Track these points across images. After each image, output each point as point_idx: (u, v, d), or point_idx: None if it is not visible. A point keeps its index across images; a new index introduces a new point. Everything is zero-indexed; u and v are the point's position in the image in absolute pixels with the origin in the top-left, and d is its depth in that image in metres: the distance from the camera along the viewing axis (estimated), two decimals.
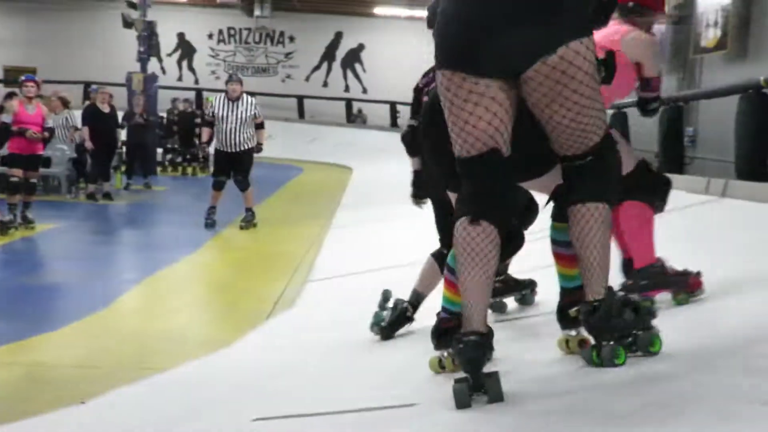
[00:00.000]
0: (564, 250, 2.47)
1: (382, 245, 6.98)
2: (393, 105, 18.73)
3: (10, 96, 9.04)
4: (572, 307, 2.46)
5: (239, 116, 8.39)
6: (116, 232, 8.69)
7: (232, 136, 8.38)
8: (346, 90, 23.27)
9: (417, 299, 3.76)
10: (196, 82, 23.07)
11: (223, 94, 8.59)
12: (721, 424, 1.72)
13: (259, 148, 8.64)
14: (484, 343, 2.21)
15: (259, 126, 8.65)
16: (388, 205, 9.48)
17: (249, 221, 8.65)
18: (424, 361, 2.84)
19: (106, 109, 10.88)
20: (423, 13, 18.27)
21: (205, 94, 18.91)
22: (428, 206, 3.77)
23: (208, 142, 8.75)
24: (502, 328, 3.11)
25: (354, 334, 4.21)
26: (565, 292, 2.59)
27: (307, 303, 5.29)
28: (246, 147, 8.49)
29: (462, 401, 2.17)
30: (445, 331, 2.71)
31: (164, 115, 15.35)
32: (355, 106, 22.13)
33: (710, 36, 10.89)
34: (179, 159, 15.43)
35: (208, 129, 8.67)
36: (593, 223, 2.23)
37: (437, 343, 2.80)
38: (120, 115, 11.62)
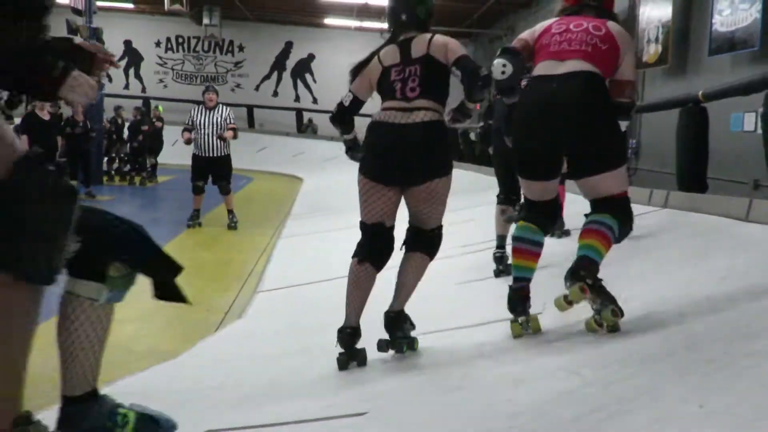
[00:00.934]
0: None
1: (332, 255, 6.98)
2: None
3: None
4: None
5: (215, 123, 9.11)
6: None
7: (209, 141, 9.08)
8: (296, 100, 23.21)
9: (501, 242, 5.19)
10: (144, 90, 22.74)
11: (201, 104, 9.26)
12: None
13: (222, 137, 9.14)
14: (355, 333, 3.47)
15: (232, 128, 9.27)
16: (338, 214, 9.49)
17: (233, 223, 9.45)
18: (375, 370, 2.86)
19: (45, 117, 10.65)
20: (373, 24, 18.28)
21: (154, 102, 18.65)
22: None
23: (188, 143, 9.21)
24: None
25: (304, 344, 4.21)
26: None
27: (258, 313, 5.27)
28: (222, 153, 9.21)
29: (342, 366, 3.42)
30: (523, 299, 3.42)
31: (107, 123, 15.09)
32: (306, 116, 22.08)
33: (651, 51, 11.21)
34: (126, 168, 15.20)
35: (187, 133, 9.14)
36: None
37: (517, 312, 3.41)
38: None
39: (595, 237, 3.18)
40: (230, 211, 9.48)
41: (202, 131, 9.09)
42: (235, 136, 9.27)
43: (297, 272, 6.46)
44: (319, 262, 6.78)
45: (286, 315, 5.18)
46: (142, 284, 7.04)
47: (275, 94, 23.31)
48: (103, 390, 3.65)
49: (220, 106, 9.27)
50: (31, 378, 2.36)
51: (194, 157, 9.28)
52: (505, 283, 4.74)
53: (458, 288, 4.95)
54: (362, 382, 3.08)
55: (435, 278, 5.38)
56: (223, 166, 9.27)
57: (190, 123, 9.17)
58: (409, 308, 3.55)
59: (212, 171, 9.25)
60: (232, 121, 9.30)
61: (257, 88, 23.08)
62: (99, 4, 16.19)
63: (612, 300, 3.05)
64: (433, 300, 4.45)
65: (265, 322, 5.03)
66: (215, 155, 9.17)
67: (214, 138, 9.09)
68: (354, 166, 3.69)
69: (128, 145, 15.00)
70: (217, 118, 9.14)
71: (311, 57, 23.40)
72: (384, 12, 17.15)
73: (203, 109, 9.17)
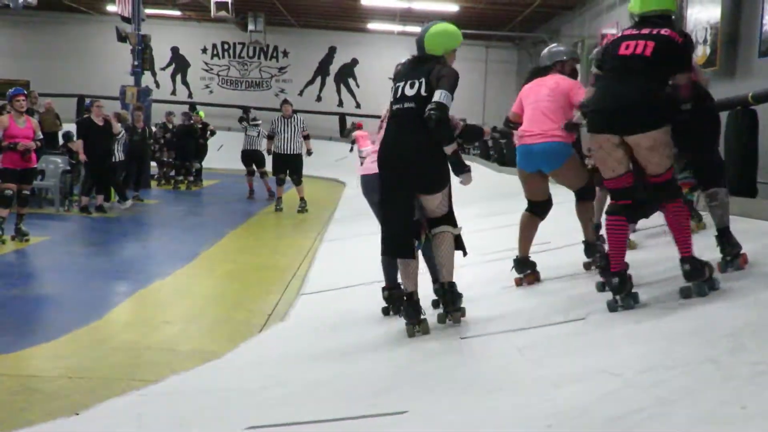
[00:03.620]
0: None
1: (375, 258, 7.00)
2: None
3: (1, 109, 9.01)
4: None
5: (292, 129, 11.54)
6: (109, 244, 8.68)
7: (286, 143, 11.51)
8: (339, 104, 23.34)
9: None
10: (190, 95, 23.08)
11: (280, 114, 11.80)
12: None
13: (309, 152, 11.67)
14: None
15: (306, 137, 11.67)
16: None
17: (303, 208, 11.62)
18: (415, 370, 2.87)
19: (100, 122, 10.93)
20: (415, 28, 18.31)
21: (198, 108, 18.91)
22: None
23: (268, 152, 11.76)
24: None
25: (346, 346, 4.24)
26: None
27: (301, 315, 5.32)
28: (296, 152, 11.58)
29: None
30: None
31: (154, 129, 15.35)
32: (349, 120, 22.18)
33: (699, 53, 11.02)
34: (172, 173, 15.42)
35: (269, 141, 11.69)
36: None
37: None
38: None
39: None
40: (302, 199, 11.65)
41: (281, 135, 11.46)
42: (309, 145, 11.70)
43: (339, 275, 6.50)
44: (362, 265, 6.81)
45: (329, 317, 5.23)
46: (187, 287, 7.20)
47: (319, 98, 23.46)
48: (149, 388, 3.74)
49: (295, 114, 11.75)
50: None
51: (275, 155, 11.57)
52: (546, 287, 4.72)
53: (501, 292, 4.94)
54: (402, 383, 3.10)
55: (478, 281, 5.37)
56: (297, 163, 11.59)
57: (272, 130, 11.61)
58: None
59: (289, 166, 11.53)
60: (304, 128, 11.66)
61: (301, 93, 23.26)
62: (147, 11, 16.51)
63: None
64: (475, 303, 4.45)
65: (307, 324, 5.08)
66: (291, 153, 11.51)
67: (291, 141, 11.44)
68: None
69: (175, 150, 15.23)
70: (293, 126, 11.54)
71: (354, 62, 23.50)
72: (427, 16, 17.19)
73: (281, 118, 11.64)
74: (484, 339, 3.71)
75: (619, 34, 3.92)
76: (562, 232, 6.36)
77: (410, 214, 4.06)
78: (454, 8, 17.70)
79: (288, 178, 11.73)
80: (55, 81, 20.67)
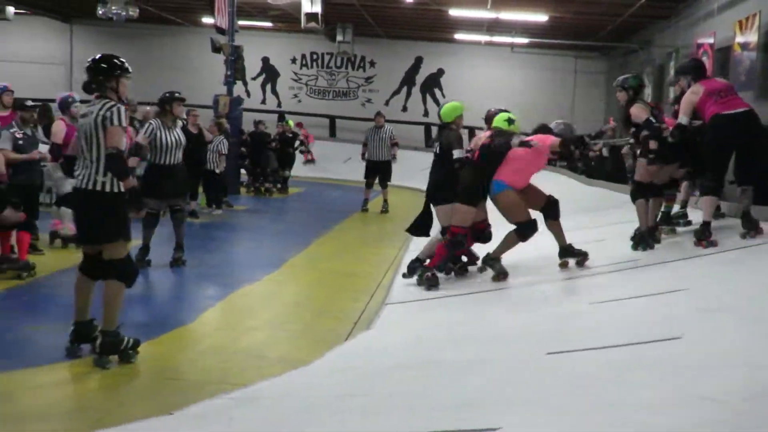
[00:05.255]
0: None
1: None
2: (471, 130, 18.66)
3: None
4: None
5: (382, 138, 12.91)
6: (200, 249, 8.94)
7: (377, 151, 12.88)
8: (425, 114, 23.35)
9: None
10: (279, 105, 23.56)
11: (373, 125, 13.29)
12: None
13: (393, 158, 13.06)
14: None
15: (394, 144, 13.12)
16: None
17: (386, 209, 12.93)
18: (507, 386, 2.84)
19: (194, 131, 11.29)
20: (502, 39, 18.08)
21: (287, 117, 19.26)
22: None
23: (363, 157, 13.11)
24: None
25: (432, 356, 4.23)
26: None
27: (386, 324, 5.34)
28: (385, 158, 12.93)
29: None
30: None
31: (247, 137, 15.71)
32: (434, 130, 22.14)
33: None
34: (261, 179, 15.69)
35: (364, 147, 13.08)
36: None
37: None
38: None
39: None
40: (385, 201, 13.03)
41: (373, 144, 12.86)
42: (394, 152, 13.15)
43: (421, 289, 6.46)
44: (446, 276, 6.78)
45: (414, 327, 5.23)
46: (274, 293, 7.33)
47: (404, 108, 23.55)
48: (239, 392, 3.83)
49: (385, 125, 13.06)
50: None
51: (367, 161, 12.92)
52: (640, 305, 4.60)
53: (592, 308, 4.83)
54: (494, 398, 3.06)
55: (567, 296, 5.28)
56: (386, 168, 12.96)
57: (366, 139, 13.08)
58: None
59: (379, 172, 12.87)
60: (393, 137, 13.05)
61: (387, 102, 23.41)
62: (240, 23, 16.96)
63: None
64: (565, 319, 4.37)
65: (393, 334, 5.10)
66: (382, 160, 12.84)
67: (380, 149, 12.80)
68: None
69: (250, 157, 15.50)
70: (382, 135, 12.91)
71: (440, 72, 23.50)
72: (515, 26, 17.06)
73: (374, 128, 13.07)
74: (572, 355, 3.64)
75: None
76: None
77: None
78: (542, 18, 17.47)
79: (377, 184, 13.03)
80: (152, 90, 21.42)
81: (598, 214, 8.76)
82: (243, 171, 15.69)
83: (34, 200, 7.50)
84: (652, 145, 6.17)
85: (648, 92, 16.87)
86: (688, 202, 7.29)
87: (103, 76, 4.56)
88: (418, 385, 3.66)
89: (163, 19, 21.32)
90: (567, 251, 6.23)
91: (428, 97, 23.76)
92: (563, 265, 6.27)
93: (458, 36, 21.38)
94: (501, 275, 6.19)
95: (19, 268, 6.58)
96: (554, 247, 6.27)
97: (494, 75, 22.46)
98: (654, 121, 6.30)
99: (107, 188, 4.43)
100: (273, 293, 6.87)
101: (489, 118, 6.93)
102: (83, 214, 4.58)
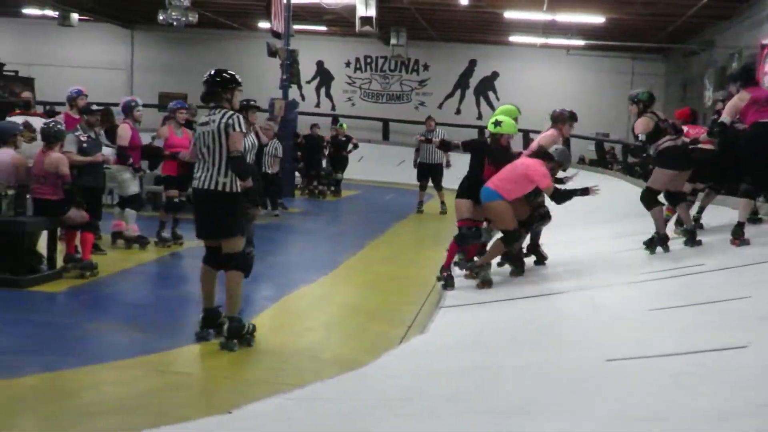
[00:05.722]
0: None
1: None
2: (526, 133, 18.52)
3: (165, 120, 9.56)
4: None
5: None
6: (257, 250, 9.07)
7: (429, 154, 13.10)
8: (478, 117, 23.22)
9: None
10: (333, 108, 23.74)
11: (425, 128, 13.40)
12: None
13: (447, 164, 13.07)
14: None
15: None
16: None
17: (443, 210, 13.06)
18: (556, 392, 2.81)
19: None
20: (558, 41, 17.97)
21: (341, 120, 19.42)
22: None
23: (414, 162, 13.50)
24: None
25: (486, 361, 4.21)
26: None
27: (440, 328, 5.33)
28: (437, 161, 13.15)
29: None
30: None
31: (302, 140, 15.88)
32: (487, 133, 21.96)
33: None
34: (315, 182, 15.83)
35: (415, 153, 13.48)
36: None
37: None
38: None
39: None
40: (442, 203, 13.23)
41: (425, 147, 12.84)
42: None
43: (479, 291, 6.43)
44: (500, 280, 6.74)
45: (468, 332, 5.21)
46: (329, 295, 7.38)
47: (458, 111, 23.50)
48: (295, 393, 3.88)
49: (437, 128, 13.17)
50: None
51: (420, 164, 13.33)
52: (697, 311, 4.50)
53: (651, 314, 4.74)
54: (548, 405, 3.04)
55: (623, 303, 5.20)
56: (438, 171, 13.24)
57: (417, 144, 13.08)
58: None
59: (431, 174, 13.28)
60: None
61: (440, 105, 23.39)
62: (295, 27, 17.16)
63: None
64: (620, 325, 4.30)
65: (447, 338, 5.09)
66: (433, 163, 13.15)
67: (433, 152, 12.90)
68: None
69: (304, 160, 15.67)
70: (433, 138, 12.60)
71: (495, 75, 23.37)
72: (571, 28, 16.96)
73: (426, 131, 13.04)
74: (633, 363, 3.58)
75: None
76: (712, 252, 6.07)
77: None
78: (599, 20, 17.22)
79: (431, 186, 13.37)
80: None
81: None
82: (297, 173, 15.86)
83: (98, 202, 7.69)
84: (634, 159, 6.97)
85: (708, 95, 16.49)
86: (705, 208, 7.64)
87: (221, 88, 5.04)
88: (472, 389, 3.64)
89: (221, 24, 21.69)
90: (518, 258, 6.80)
91: (482, 100, 23.65)
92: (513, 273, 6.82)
93: (513, 38, 21.21)
94: (485, 283, 6.35)
95: (83, 268, 6.79)
96: (604, 252, 6.29)
97: (549, 78, 22.23)
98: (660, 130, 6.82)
99: (227, 188, 4.80)
100: (328, 295, 6.93)
101: (554, 118, 7.42)
102: (205, 212, 4.93)
